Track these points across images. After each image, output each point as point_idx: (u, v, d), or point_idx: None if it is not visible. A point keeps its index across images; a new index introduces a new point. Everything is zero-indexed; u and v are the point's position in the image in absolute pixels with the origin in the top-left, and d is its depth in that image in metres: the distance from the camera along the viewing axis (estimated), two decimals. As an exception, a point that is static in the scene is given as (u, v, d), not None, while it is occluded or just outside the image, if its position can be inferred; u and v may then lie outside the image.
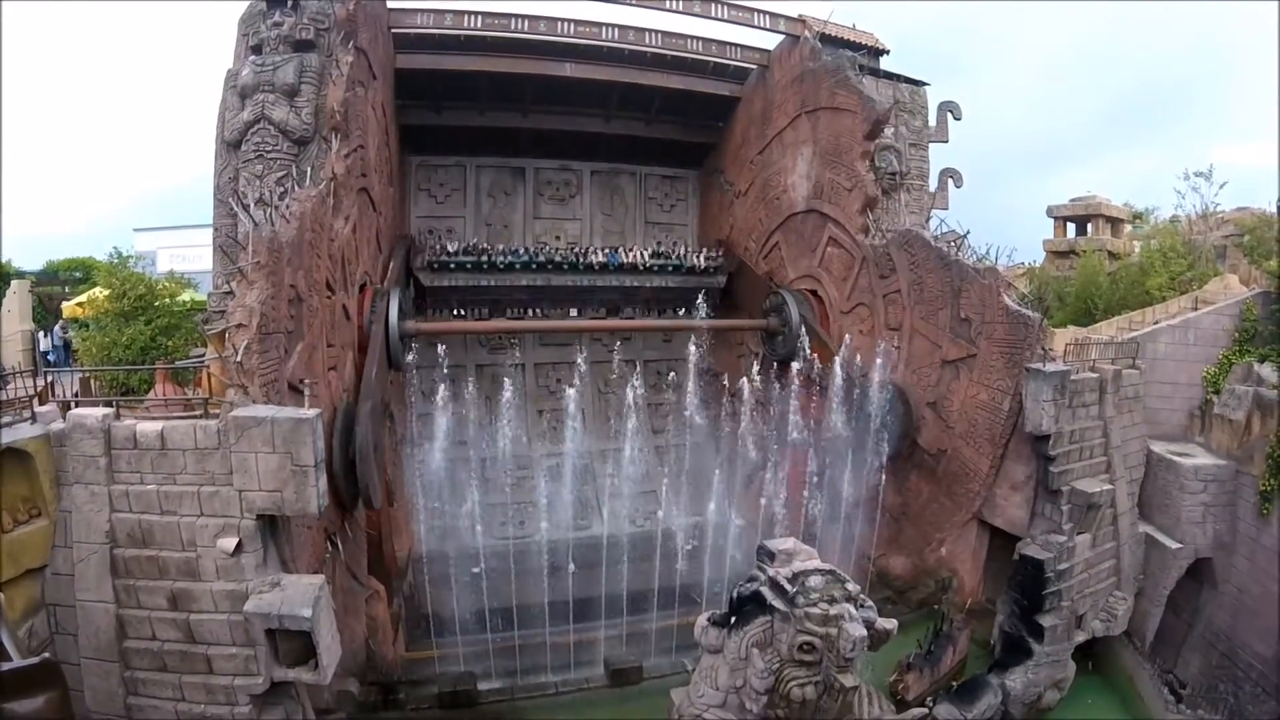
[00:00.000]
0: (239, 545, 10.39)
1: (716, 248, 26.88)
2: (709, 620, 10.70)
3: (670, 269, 25.92)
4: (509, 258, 24.15)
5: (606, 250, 25.86)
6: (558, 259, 24.53)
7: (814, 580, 10.06)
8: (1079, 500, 15.78)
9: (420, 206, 26.26)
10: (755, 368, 23.07)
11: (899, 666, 14.75)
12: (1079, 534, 15.99)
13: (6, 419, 11.00)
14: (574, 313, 27.15)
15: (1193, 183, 31.15)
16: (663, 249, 26.86)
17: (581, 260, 24.97)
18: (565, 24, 22.46)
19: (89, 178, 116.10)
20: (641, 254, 25.89)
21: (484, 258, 23.91)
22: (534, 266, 24.31)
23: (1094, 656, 17.61)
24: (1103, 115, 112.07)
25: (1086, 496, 15.72)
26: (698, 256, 26.51)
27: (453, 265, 23.43)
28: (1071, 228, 37.74)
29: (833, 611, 9.55)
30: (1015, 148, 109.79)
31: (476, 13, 21.64)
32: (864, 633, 9.43)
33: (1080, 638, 16.42)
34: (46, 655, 3.87)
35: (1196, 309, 21.52)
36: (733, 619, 10.34)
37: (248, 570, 10.45)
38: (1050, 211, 38.21)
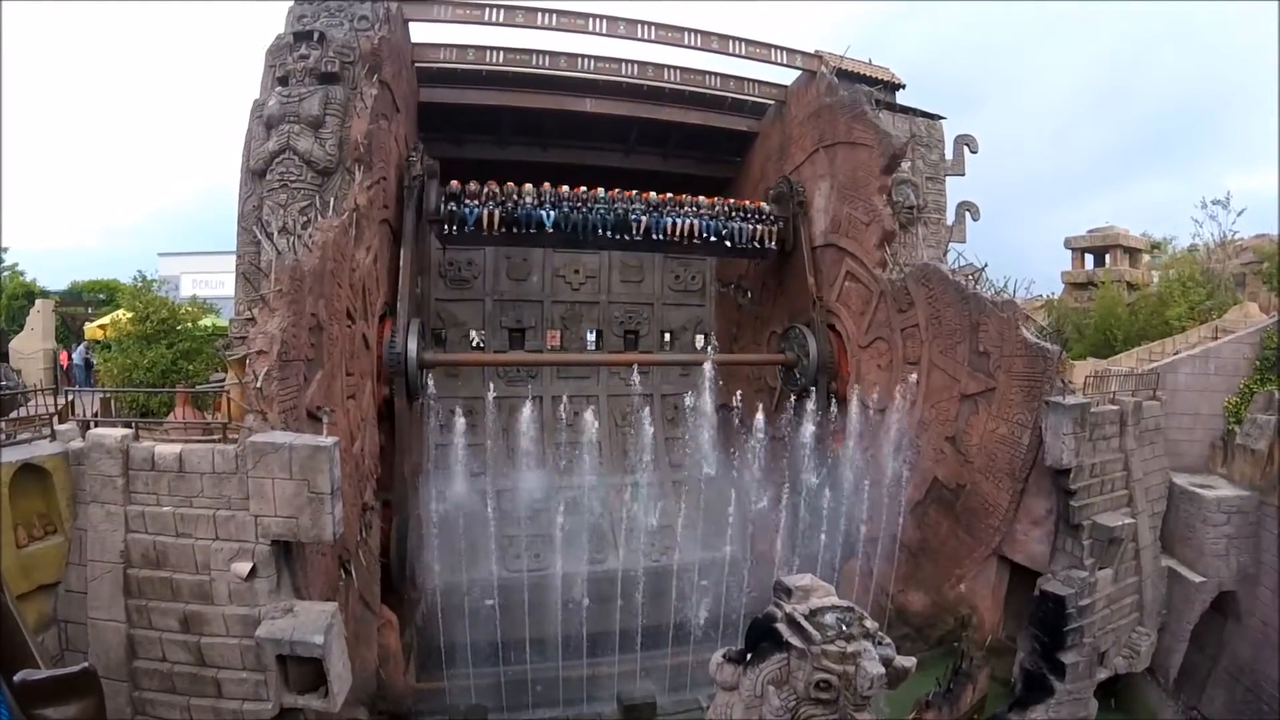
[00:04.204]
0: (253, 570, 10.42)
1: (783, 184, 23.75)
2: (724, 657, 10.52)
3: (726, 241, 22.62)
4: (536, 214, 20.87)
5: (653, 205, 22.05)
6: (593, 220, 21.35)
7: (831, 617, 9.89)
8: (1100, 535, 15.52)
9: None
10: (772, 402, 23.00)
11: (917, 705, 14.42)
12: (1101, 569, 15.70)
13: (26, 435, 11.16)
14: (591, 339, 27.20)
15: (1210, 211, 30.94)
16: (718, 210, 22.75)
17: (622, 224, 21.59)
18: (585, 60, 22.78)
19: (106, 192, 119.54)
20: (692, 225, 22.12)
21: (509, 215, 20.63)
22: (566, 228, 21.27)
23: (1116, 694, 17.20)
24: (1119, 145, 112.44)
25: (1108, 531, 15.46)
26: (754, 225, 23.02)
27: (470, 228, 20.55)
28: (1089, 259, 37.53)
29: (850, 649, 9.36)
30: (1032, 180, 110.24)
31: (498, 49, 22.03)
32: (882, 670, 9.23)
33: (1102, 675, 16.04)
34: (87, 664, 3.91)
35: (1216, 338, 21.32)
36: (748, 655, 10.16)
37: (260, 595, 10.46)
38: (1068, 243, 38.07)
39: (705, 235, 22.39)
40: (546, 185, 21.37)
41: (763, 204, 23.80)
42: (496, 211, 20.57)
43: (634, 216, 21.63)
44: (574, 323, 27.67)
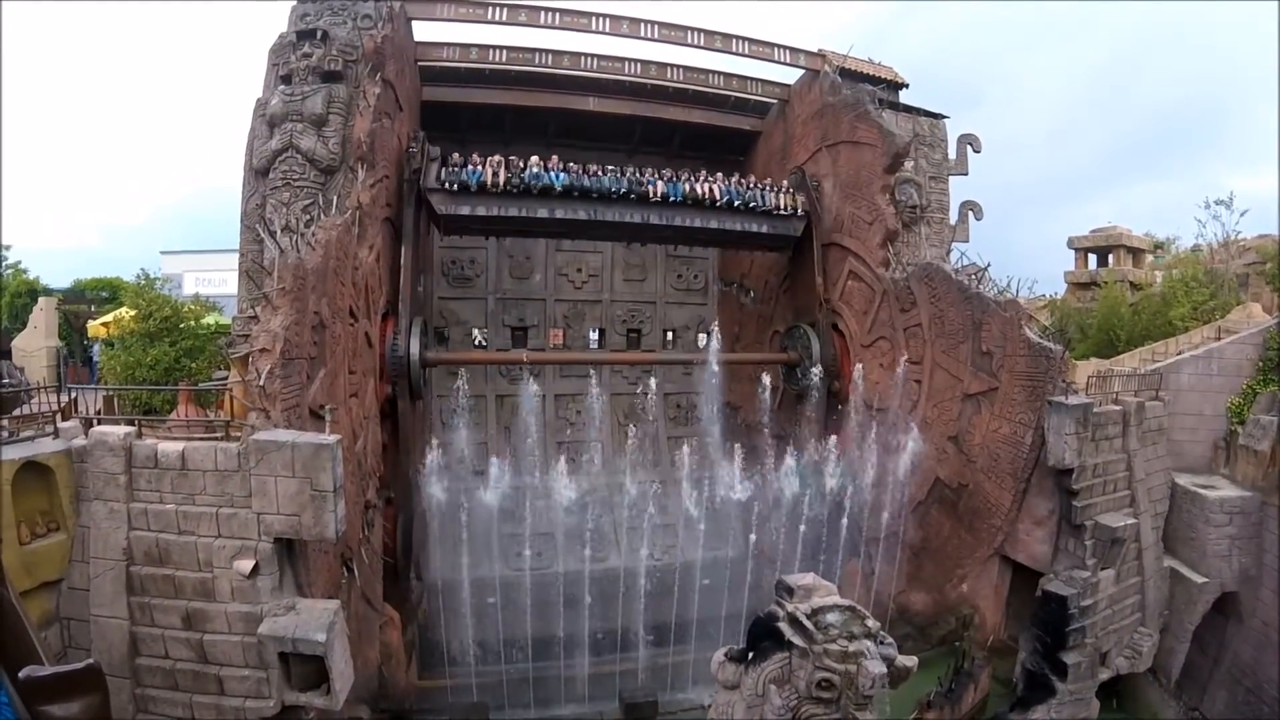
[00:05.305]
0: (255, 567, 10.44)
1: (796, 175, 23.32)
2: (726, 655, 10.52)
3: (743, 207, 21.70)
4: (543, 177, 19.86)
5: (667, 177, 21.46)
6: (606, 184, 20.45)
7: (833, 616, 9.88)
8: (1103, 535, 15.50)
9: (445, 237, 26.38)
10: (775, 401, 22.96)
11: (919, 704, 14.40)
12: (1103, 569, 15.69)
13: (29, 433, 11.18)
14: (594, 337, 27.19)
15: (1213, 211, 30.93)
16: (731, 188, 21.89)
17: (636, 189, 20.77)
18: (589, 59, 22.79)
19: (108, 191, 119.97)
20: (712, 188, 21.44)
21: (514, 176, 19.59)
22: (575, 194, 20.20)
23: (1118, 694, 17.25)
24: (1120, 145, 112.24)
25: (1110, 531, 15.45)
26: (776, 194, 22.30)
27: (474, 188, 19.43)
28: (1093, 259, 37.53)
29: (852, 648, 9.36)
30: (1035, 179, 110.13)
31: (502, 47, 22.04)
32: (883, 670, 9.23)
33: (1104, 675, 16.06)
34: (92, 660, 3.91)
35: (1219, 339, 21.28)
36: (750, 654, 10.16)
37: (263, 593, 10.48)
38: (1071, 243, 38.05)
39: (727, 198, 21.51)
40: (555, 159, 20.59)
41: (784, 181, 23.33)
42: (501, 171, 19.57)
43: (649, 181, 21.03)
44: (576, 321, 27.68)
